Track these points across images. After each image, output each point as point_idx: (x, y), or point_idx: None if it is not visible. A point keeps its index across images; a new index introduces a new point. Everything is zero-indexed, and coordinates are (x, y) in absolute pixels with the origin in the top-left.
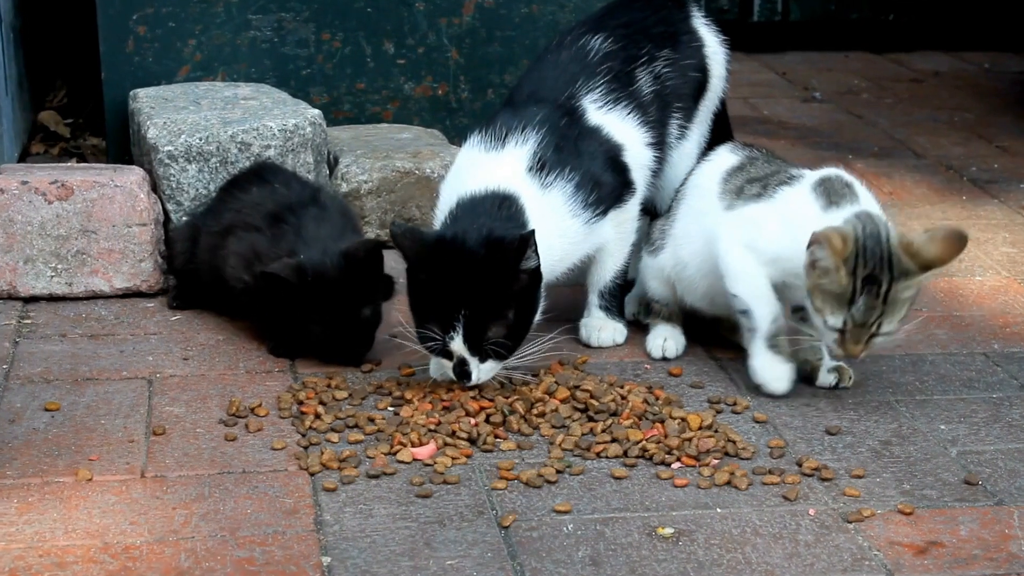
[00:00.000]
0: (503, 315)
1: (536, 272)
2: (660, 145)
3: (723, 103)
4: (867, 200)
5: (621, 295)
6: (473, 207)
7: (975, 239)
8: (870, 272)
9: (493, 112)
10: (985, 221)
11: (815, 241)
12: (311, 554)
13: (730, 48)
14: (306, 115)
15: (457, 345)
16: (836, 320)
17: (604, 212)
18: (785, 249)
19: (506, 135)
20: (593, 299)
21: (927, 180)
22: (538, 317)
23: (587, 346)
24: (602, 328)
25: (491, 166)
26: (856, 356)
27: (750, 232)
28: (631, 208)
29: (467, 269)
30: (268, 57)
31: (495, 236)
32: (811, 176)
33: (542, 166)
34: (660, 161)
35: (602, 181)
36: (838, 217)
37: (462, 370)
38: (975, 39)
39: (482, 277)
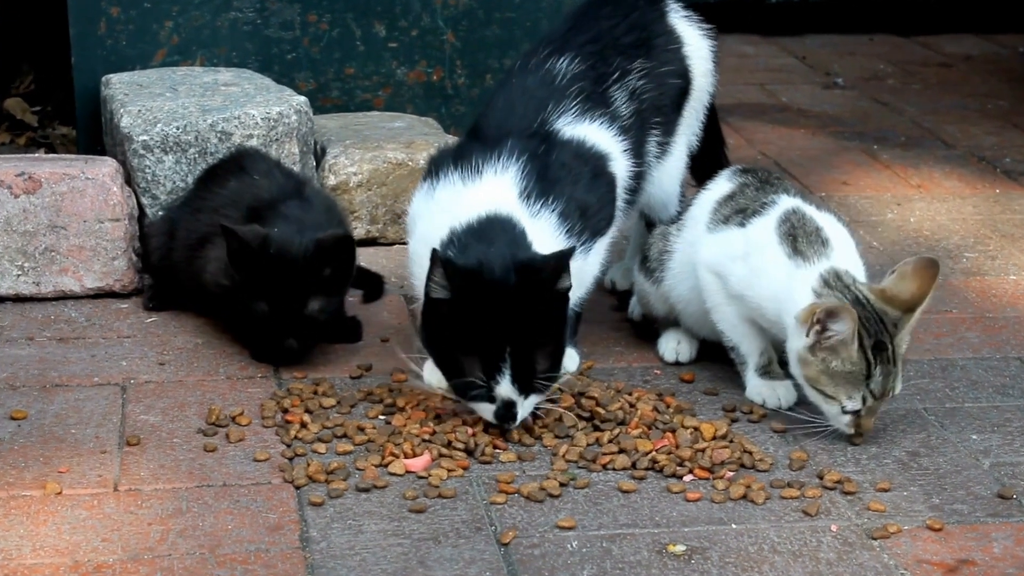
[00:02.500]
0: (547, 345)
1: (567, 294)
2: (639, 169)
3: (712, 102)
4: (840, 248)
5: (578, 322)
6: (478, 233)
7: (1010, 235)
8: (876, 339)
9: (460, 147)
10: (1020, 216)
11: (827, 315)
12: (296, 573)
13: (747, 31)
14: (291, 102)
15: (505, 388)
16: (855, 403)
17: (593, 238)
18: (750, 293)
19: (482, 166)
20: None
21: (957, 172)
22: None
23: None
24: None
25: (479, 194)
26: (871, 431)
27: (721, 261)
28: (609, 237)
29: (508, 301)
30: (250, 40)
31: (525, 261)
32: (778, 208)
33: (529, 194)
34: (637, 188)
35: (589, 204)
36: (809, 275)
37: (508, 413)
38: (1009, 21)
39: (525, 307)
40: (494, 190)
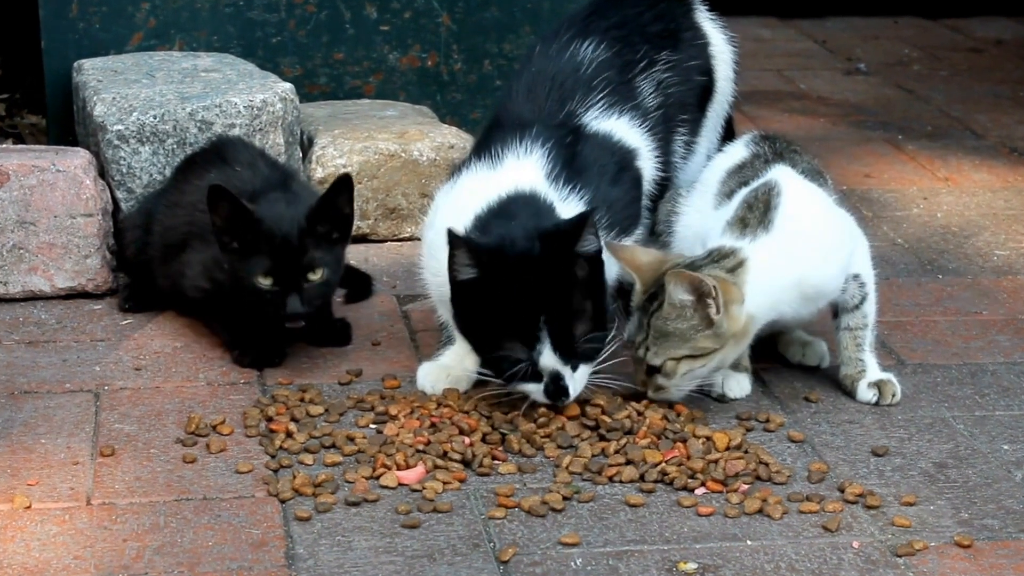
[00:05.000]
0: (584, 310)
1: (599, 258)
2: (666, 172)
3: (730, 114)
4: (783, 224)
5: None
6: (501, 212)
7: None
8: (652, 292)
9: (481, 139)
10: None
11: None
12: None
13: (763, 13)
14: (276, 90)
15: (547, 358)
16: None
17: (618, 236)
18: None
19: (504, 151)
20: None
21: (987, 164)
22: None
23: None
24: None
25: (502, 177)
26: (640, 387)
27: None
28: (633, 239)
29: (535, 270)
30: (232, 23)
31: (547, 229)
32: (760, 179)
33: (557, 177)
34: (663, 190)
35: (615, 200)
36: (723, 243)
37: (558, 387)
38: None
39: (554, 274)
40: (518, 171)
